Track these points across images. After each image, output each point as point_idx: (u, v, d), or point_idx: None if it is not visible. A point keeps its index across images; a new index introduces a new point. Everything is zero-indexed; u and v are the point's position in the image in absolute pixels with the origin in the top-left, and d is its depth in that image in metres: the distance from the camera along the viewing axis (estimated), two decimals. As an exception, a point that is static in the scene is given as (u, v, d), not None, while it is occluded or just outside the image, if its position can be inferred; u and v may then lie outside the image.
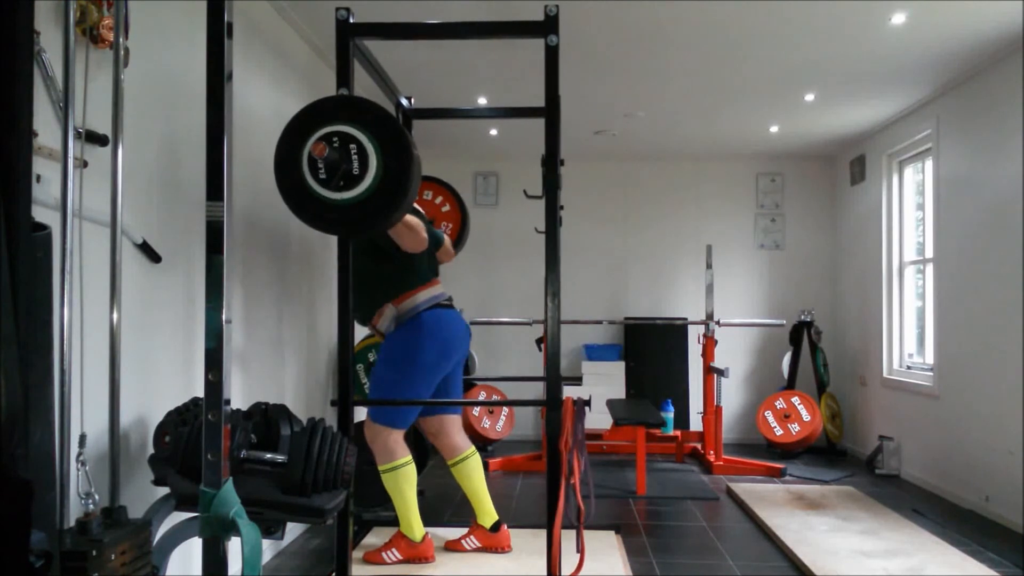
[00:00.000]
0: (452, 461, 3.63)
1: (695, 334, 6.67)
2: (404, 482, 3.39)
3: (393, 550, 3.44)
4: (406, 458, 3.40)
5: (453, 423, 3.64)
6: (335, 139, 2.16)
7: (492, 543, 3.60)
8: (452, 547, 3.61)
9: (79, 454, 1.75)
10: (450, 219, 4.36)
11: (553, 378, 2.64)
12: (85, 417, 1.86)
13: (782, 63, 4.51)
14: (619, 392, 6.75)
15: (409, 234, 3.16)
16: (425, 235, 3.26)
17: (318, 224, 2.27)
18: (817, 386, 6.51)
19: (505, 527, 3.64)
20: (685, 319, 6.73)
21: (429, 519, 3.66)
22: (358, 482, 3.34)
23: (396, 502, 3.42)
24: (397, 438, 3.38)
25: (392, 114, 2.29)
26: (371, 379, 3.42)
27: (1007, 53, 4.23)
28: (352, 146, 2.16)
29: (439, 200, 4.34)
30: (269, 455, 2.02)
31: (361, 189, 2.18)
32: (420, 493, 3.71)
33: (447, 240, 3.71)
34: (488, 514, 3.60)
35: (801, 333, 6.58)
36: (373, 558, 3.44)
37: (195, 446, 1.96)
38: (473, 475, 3.60)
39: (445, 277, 6.88)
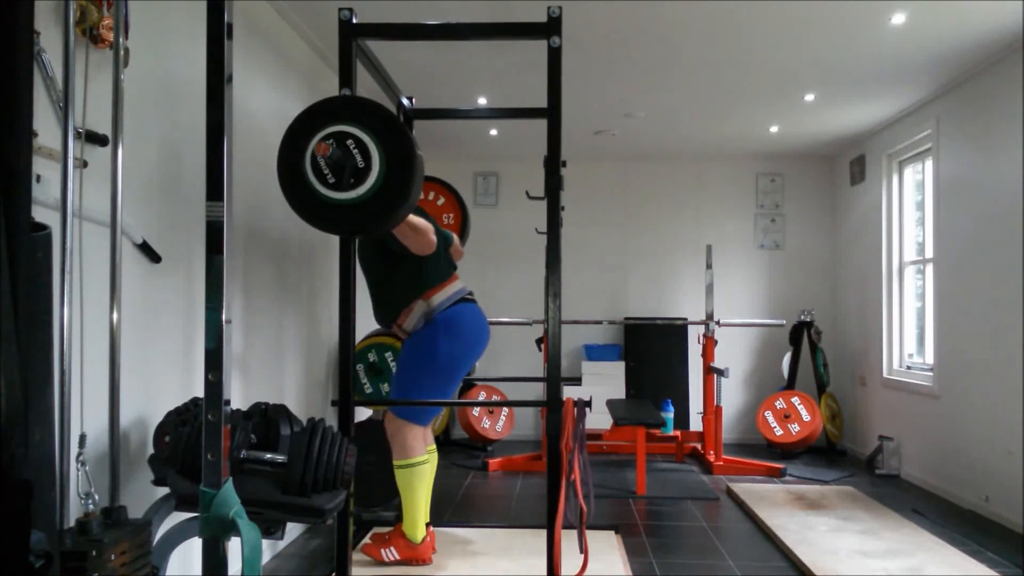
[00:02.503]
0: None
1: (695, 334, 6.67)
2: (417, 480, 3.35)
3: (392, 548, 3.42)
4: (423, 456, 3.36)
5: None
6: (339, 139, 2.17)
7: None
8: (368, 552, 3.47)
9: (79, 454, 1.75)
10: (451, 220, 4.35)
11: (553, 378, 2.63)
12: (85, 417, 1.86)
13: (782, 63, 4.52)
14: (619, 392, 6.75)
15: (415, 236, 3.12)
16: (433, 237, 3.22)
17: (320, 224, 2.27)
18: (817, 386, 6.51)
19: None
20: (685, 319, 6.73)
21: (430, 519, 3.65)
22: (358, 482, 3.33)
23: (405, 499, 3.38)
24: (417, 434, 3.34)
25: (395, 114, 2.29)
26: (395, 375, 3.37)
27: (1007, 53, 4.23)
28: (355, 147, 2.17)
29: (441, 201, 4.34)
30: (269, 455, 2.02)
31: (364, 189, 2.18)
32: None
33: (456, 239, 3.70)
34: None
35: (801, 333, 6.58)
36: (371, 552, 3.42)
37: (195, 446, 1.96)
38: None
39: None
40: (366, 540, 3.54)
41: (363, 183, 2.18)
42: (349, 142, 2.18)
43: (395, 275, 3.34)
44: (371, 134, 2.17)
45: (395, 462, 3.36)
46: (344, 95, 2.48)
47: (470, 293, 3.48)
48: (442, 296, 3.34)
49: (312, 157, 2.18)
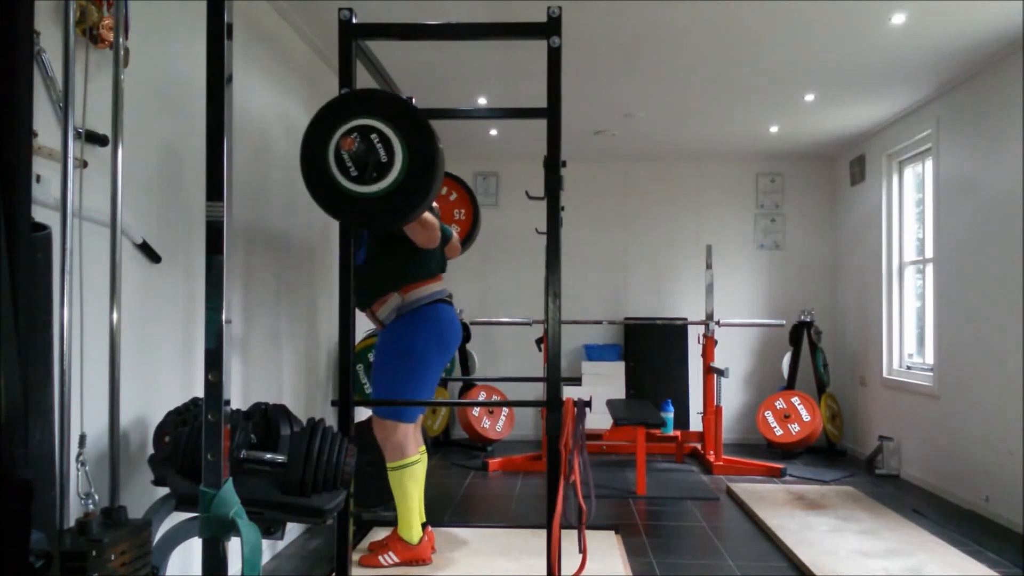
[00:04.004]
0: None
1: (695, 334, 6.67)
2: (410, 481, 3.33)
3: (390, 553, 3.39)
4: (416, 456, 3.34)
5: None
6: (363, 133, 2.17)
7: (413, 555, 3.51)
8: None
9: (79, 454, 1.75)
10: (462, 216, 4.34)
11: (553, 378, 2.63)
12: (85, 417, 1.86)
13: (782, 63, 4.51)
14: (619, 392, 6.75)
15: (423, 231, 3.12)
16: (439, 233, 3.22)
17: (340, 216, 2.28)
18: (817, 386, 6.51)
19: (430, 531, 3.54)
20: (685, 319, 6.73)
21: (429, 520, 3.65)
22: (358, 482, 3.32)
23: (399, 501, 3.36)
24: (408, 433, 3.32)
25: (419, 111, 2.29)
26: (374, 372, 3.35)
27: (1007, 53, 4.23)
28: (379, 141, 2.17)
29: (453, 197, 4.33)
30: (269, 455, 2.02)
31: (385, 184, 2.18)
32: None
33: (455, 236, 3.69)
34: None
35: (801, 333, 6.58)
36: (369, 562, 3.39)
37: (195, 446, 1.96)
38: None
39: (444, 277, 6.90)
40: (363, 552, 3.52)
41: (385, 178, 2.18)
42: (373, 136, 2.18)
43: (382, 261, 3.32)
44: (395, 129, 2.18)
45: (389, 464, 3.34)
46: (367, 89, 2.44)
47: (449, 296, 3.46)
48: (419, 294, 3.33)
49: (336, 149, 2.18)
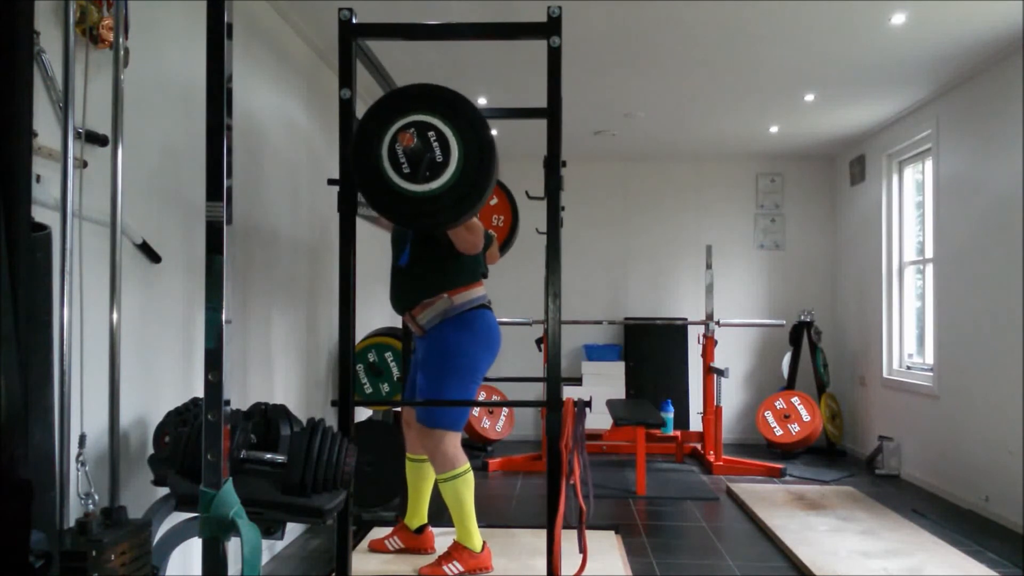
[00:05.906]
0: (413, 457, 3.54)
1: (695, 334, 6.67)
2: (465, 489, 3.22)
3: (455, 563, 3.24)
4: (467, 464, 3.23)
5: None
6: (420, 130, 2.15)
7: (416, 544, 3.53)
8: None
9: (79, 454, 1.75)
10: (500, 223, 4.30)
11: (553, 379, 2.63)
12: (85, 417, 1.86)
13: (782, 63, 4.52)
14: (619, 392, 6.75)
15: (467, 235, 3.01)
16: (482, 238, 3.13)
17: (387, 212, 2.24)
18: (817, 386, 6.51)
19: (430, 530, 3.57)
20: (685, 319, 6.73)
21: (430, 520, 3.65)
22: (358, 482, 3.30)
23: (456, 512, 3.24)
24: (457, 442, 3.22)
25: (480, 113, 2.24)
26: (423, 377, 3.20)
27: (1007, 53, 4.23)
28: (436, 140, 2.15)
29: (494, 202, 4.28)
30: (269, 455, 2.02)
31: (437, 184, 2.16)
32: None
33: (495, 242, 3.64)
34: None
35: (801, 333, 6.58)
36: (433, 571, 3.23)
37: (195, 446, 1.96)
38: (429, 480, 3.52)
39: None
40: (364, 552, 3.50)
41: (438, 178, 2.16)
42: (430, 134, 2.16)
43: (427, 263, 3.20)
44: (454, 129, 2.15)
45: (440, 476, 3.20)
46: (422, 84, 2.37)
47: (489, 302, 3.35)
48: (467, 297, 3.22)
49: (391, 144, 2.15)
